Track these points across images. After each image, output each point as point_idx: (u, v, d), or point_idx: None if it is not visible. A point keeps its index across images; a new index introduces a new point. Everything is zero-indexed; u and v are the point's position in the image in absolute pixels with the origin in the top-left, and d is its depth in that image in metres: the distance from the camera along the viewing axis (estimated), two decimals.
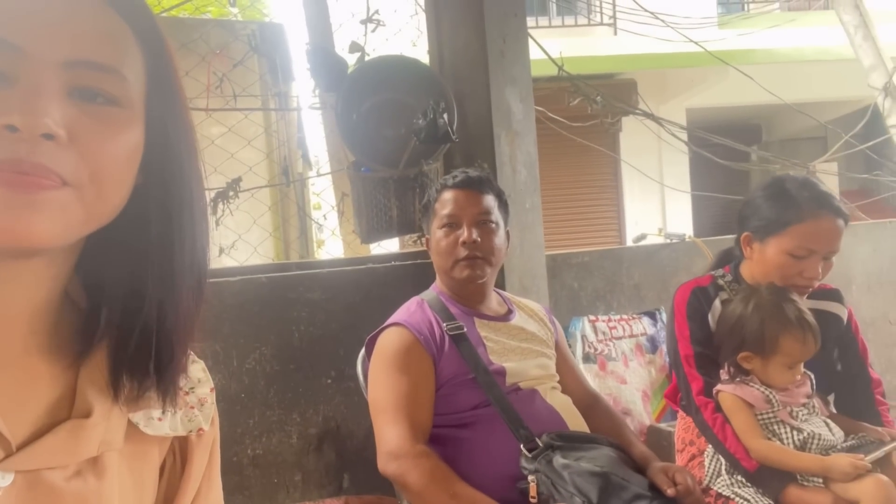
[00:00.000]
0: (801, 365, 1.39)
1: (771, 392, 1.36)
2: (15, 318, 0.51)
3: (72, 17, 0.49)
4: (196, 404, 0.60)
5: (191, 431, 0.59)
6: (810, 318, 1.37)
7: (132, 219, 0.53)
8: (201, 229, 0.56)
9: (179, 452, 0.60)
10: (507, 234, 1.55)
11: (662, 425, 2.26)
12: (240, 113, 2.68)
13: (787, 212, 1.42)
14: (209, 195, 2.19)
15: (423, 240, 1.62)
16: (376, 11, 2.19)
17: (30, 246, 0.46)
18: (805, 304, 1.43)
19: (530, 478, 1.19)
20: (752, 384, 1.38)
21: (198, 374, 0.62)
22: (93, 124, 0.48)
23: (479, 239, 1.43)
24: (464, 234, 1.44)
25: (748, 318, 1.38)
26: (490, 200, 1.49)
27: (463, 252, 1.43)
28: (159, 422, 0.56)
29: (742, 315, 1.39)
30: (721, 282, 1.53)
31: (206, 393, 0.62)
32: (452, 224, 1.46)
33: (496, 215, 1.49)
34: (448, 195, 1.49)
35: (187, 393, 0.60)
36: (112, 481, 0.52)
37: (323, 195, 3.05)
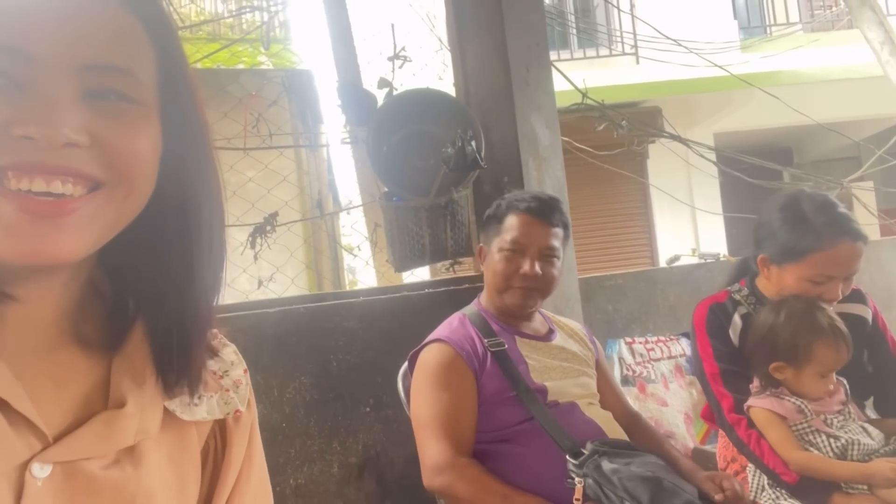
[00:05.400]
0: (834, 373, 1.36)
1: (802, 402, 1.34)
2: (45, 316, 0.52)
3: (83, 22, 0.48)
4: (231, 387, 0.61)
5: (227, 414, 0.59)
6: (842, 325, 1.35)
7: (150, 212, 0.53)
8: (218, 221, 0.56)
9: (220, 436, 0.61)
10: None
11: (707, 447, 2.20)
12: (274, 152, 2.78)
13: (805, 240, 1.38)
14: (249, 230, 2.26)
15: (477, 249, 1.61)
16: (403, 48, 2.27)
17: (59, 263, 0.47)
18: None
19: (577, 480, 1.18)
20: (782, 396, 1.35)
21: (230, 357, 0.63)
22: (111, 123, 0.48)
23: (540, 272, 1.42)
24: (526, 265, 1.42)
25: (779, 328, 1.36)
26: (558, 233, 1.47)
27: (520, 282, 1.42)
28: (195, 407, 0.57)
29: (773, 326, 1.37)
30: (738, 296, 1.51)
31: (240, 375, 0.62)
32: (516, 251, 1.44)
33: (560, 248, 1.47)
34: (517, 219, 1.46)
35: (221, 377, 0.61)
36: (150, 469, 0.53)
37: (355, 228, 3.10)
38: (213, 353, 0.61)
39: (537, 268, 1.42)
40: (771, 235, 1.46)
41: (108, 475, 0.50)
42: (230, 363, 0.62)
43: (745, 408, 1.39)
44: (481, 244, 1.57)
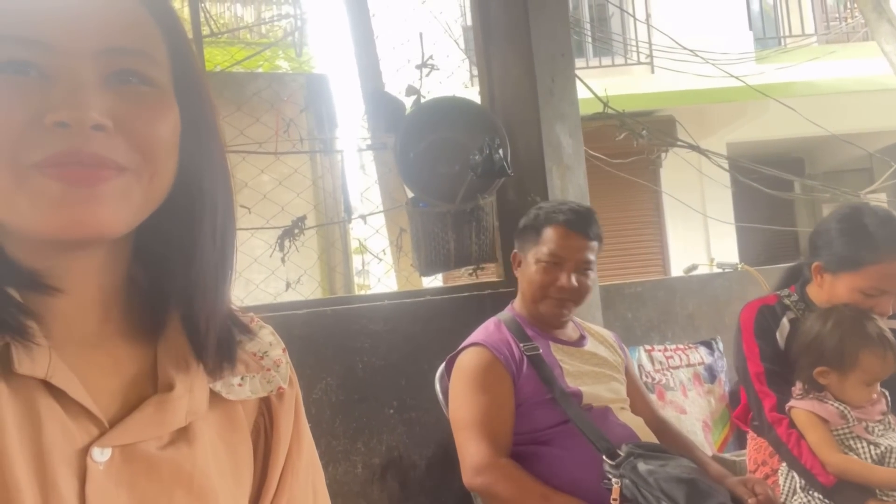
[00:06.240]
0: (878, 383, 1.39)
1: (846, 408, 1.36)
2: (89, 305, 0.54)
3: (96, 9, 0.49)
4: (272, 366, 0.62)
5: (271, 392, 0.61)
6: (891, 336, 1.36)
7: (168, 199, 0.54)
8: (228, 207, 0.57)
9: (268, 414, 0.62)
10: None
11: (726, 455, 2.23)
12: (296, 159, 2.82)
13: (864, 250, 1.39)
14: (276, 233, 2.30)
15: (512, 255, 1.63)
16: (430, 57, 2.31)
17: (99, 235, 0.48)
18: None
19: (614, 481, 1.21)
20: (826, 400, 1.38)
21: (268, 338, 0.64)
22: (133, 107, 0.49)
23: (577, 285, 1.46)
24: (563, 279, 1.45)
25: (828, 333, 1.38)
26: (594, 247, 1.50)
27: (556, 294, 1.46)
28: (239, 387, 0.58)
29: (821, 331, 1.39)
30: (787, 301, 1.54)
31: (279, 354, 0.63)
32: (553, 263, 1.47)
33: (595, 261, 1.51)
34: (555, 232, 1.48)
35: (261, 357, 0.62)
36: (204, 447, 0.54)
37: (374, 235, 3.14)
38: (251, 334, 0.62)
39: (574, 281, 1.45)
40: (828, 244, 1.47)
41: (165, 455, 0.52)
42: (268, 343, 0.63)
43: (787, 408, 1.41)
44: (516, 251, 1.60)
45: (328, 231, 3.65)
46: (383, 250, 2.92)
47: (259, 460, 0.61)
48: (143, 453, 0.51)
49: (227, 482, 0.56)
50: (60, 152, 0.46)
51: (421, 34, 2.29)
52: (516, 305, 1.59)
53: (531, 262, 1.51)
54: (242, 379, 0.59)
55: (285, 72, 4.99)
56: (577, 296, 1.47)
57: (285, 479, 0.61)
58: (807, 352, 1.41)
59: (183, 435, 0.53)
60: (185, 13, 2.76)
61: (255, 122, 2.39)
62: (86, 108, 0.46)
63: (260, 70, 5.09)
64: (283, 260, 2.20)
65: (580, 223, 1.49)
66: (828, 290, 1.47)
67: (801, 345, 1.44)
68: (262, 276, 2.50)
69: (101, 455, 0.49)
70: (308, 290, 2.56)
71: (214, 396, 0.57)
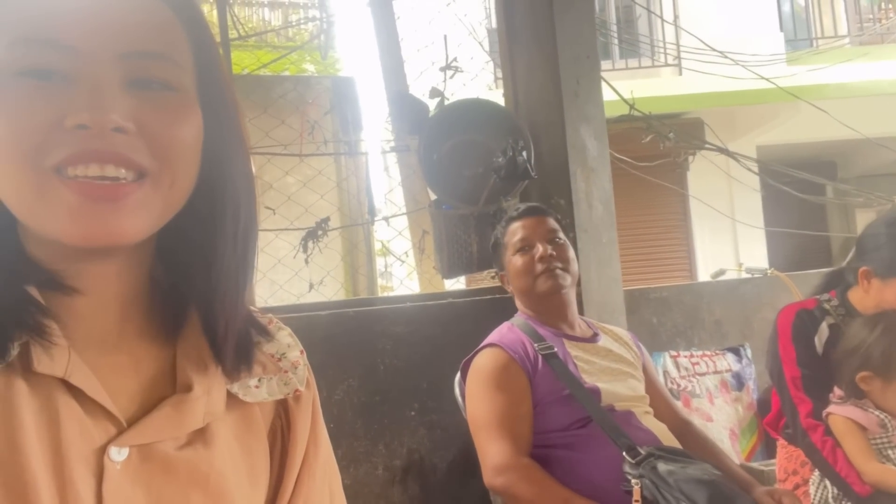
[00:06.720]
0: None
1: (886, 416, 1.32)
2: (109, 306, 0.54)
3: (120, 11, 0.49)
4: (289, 368, 0.61)
5: (288, 394, 0.60)
6: None
7: (190, 201, 0.54)
8: (250, 210, 0.57)
9: (285, 417, 0.62)
10: None
11: (753, 464, 2.18)
12: (320, 161, 2.84)
13: None
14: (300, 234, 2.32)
15: (499, 276, 1.70)
16: (454, 59, 2.31)
17: (119, 244, 0.49)
18: None
19: (634, 481, 1.19)
20: (866, 408, 1.34)
21: (286, 340, 0.64)
22: (154, 111, 0.49)
23: (553, 252, 1.53)
24: (539, 250, 1.54)
25: (876, 339, 1.35)
26: (553, 222, 1.62)
27: (541, 266, 1.53)
28: (256, 389, 0.58)
29: (868, 336, 1.36)
30: (827, 306, 1.50)
31: (297, 356, 0.63)
32: (526, 247, 1.57)
33: (562, 234, 1.61)
34: (515, 225, 1.62)
35: (279, 359, 0.62)
36: (221, 448, 0.54)
37: (399, 236, 3.14)
38: (269, 336, 0.62)
39: (550, 249, 1.54)
40: (877, 248, 1.45)
41: (182, 455, 0.52)
42: (286, 345, 0.63)
43: (825, 415, 1.38)
44: (501, 272, 1.70)
45: (352, 233, 3.67)
46: (406, 252, 2.92)
47: (276, 462, 0.61)
48: (161, 453, 0.51)
49: (243, 484, 0.56)
50: (80, 151, 0.46)
51: (445, 36, 2.29)
52: (522, 310, 1.63)
53: (510, 259, 1.61)
54: (259, 381, 0.59)
55: (311, 75, 5.03)
56: (560, 261, 1.54)
57: (302, 482, 0.61)
58: (851, 356, 1.38)
59: (200, 436, 0.54)
60: (213, 17, 2.80)
61: (281, 125, 2.41)
62: (106, 111, 0.46)
63: (286, 73, 5.14)
64: (306, 261, 2.21)
65: (532, 210, 1.65)
66: (875, 295, 1.44)
67: (844, 349, 1.40)
68: (287, 276, 2.52)
69: (118, 454, 0.49)
70: (331, 291, 2.57)
71: (232, 398, 0.57)
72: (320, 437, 0.64)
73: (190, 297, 0.57)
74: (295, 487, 0.60)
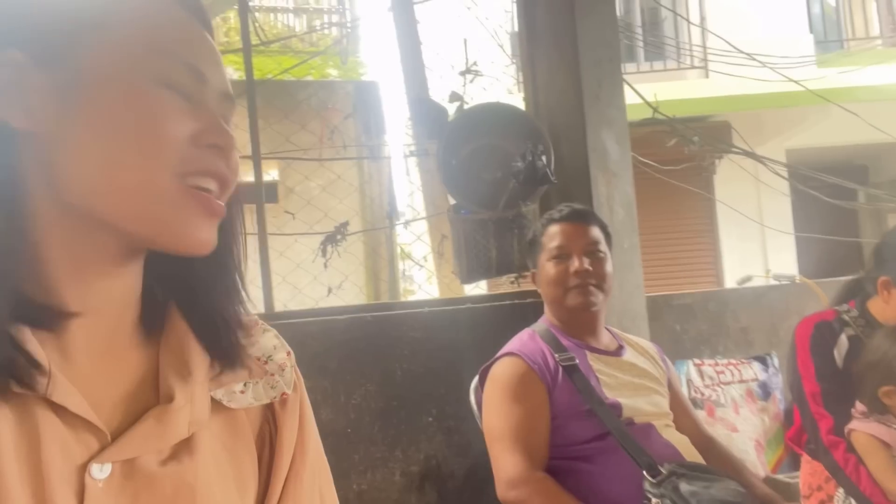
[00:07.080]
0: None
1: None
2: (108, 319, 0.53)
3: (217, 53, 0.55)
4: (276, 371, 0.61)
5: (274, 398, 0.59)
6: None
7: None
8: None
9: (273, 421, 0.61)
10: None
11: (780, 476, 2.12)
12: (341, 165, 2.85)
13: None
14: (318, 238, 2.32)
15: (530, 274, 1.65)
16: (474, 63, 2.29)
17: (207, 252, 0.53)
18: None
19: (654, 501, 1.15)
20: (890, 424, 1.29)
21: (271, 342, 0.63)
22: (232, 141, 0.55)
23: (590, 268, 1.46)
24: (574, 263, 1.47)
25: None
26: (597, 232, 1.53)
27: (574, 281, 1.46)
28: (241, 394, 0.57)
29: (889, 349, 1.31)
30: (846, 317, 1.45)
31: (284, 358, 0.62)
32: (562, 255, 1.50)
33: (604, 245, 1.52)
34: (555, 228, 1.53)
35: (265, 362, 0.61)
36: (206, 457, 0.53)
37: (422, 239, 3.14)
38: (253, 339, 0.61)
39: (586, 264, 1.46)
40: None
41: (166, 470, 0.51)
42: (272, 347, 0.62)
43: (847, 431, 1.34)
44: (532, 270, 1.62)
45: (372, 237, 3.67)
46: (424, 257, 2.91)
47: (264, 469, 0.59)
48: (144, 468, 0.50)
49: (230, 493, 0.55)
50: (210, 167, 0.52)
51: (465, 40, 2.28)
52: (547, 316, 1.57)
53: (544, 264, 1.54)
54: (245, 385, 0.58)
55: (333, 79, 5.06)
56: (595, 278, 1.47)
57: (288, 488, 0.59)
58: (872, 370, 1.33)
59: (185, 446, 0.53)
60: (236, 23, 2.83)
61: (301, 129, 2.42)
62: (231, 137, 0.53)
63: (309, 78, 5.17)
64: (325, 265, 2.21)
65: (577, 215, 1.55)
66: (895, 305, 1.38)
67: (865, 363, 1.36)
68: (306, 280, 2.53)
69: (100, 472, 0.48)
70: (351, 295, 2.57)
71: (217, 404, 0.56)
72: (308, 441, 0.62)
73: (168, 297, 0.58)
74: (282, 494, 0.59)
